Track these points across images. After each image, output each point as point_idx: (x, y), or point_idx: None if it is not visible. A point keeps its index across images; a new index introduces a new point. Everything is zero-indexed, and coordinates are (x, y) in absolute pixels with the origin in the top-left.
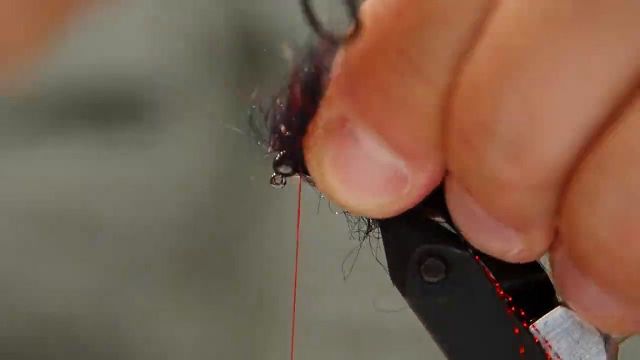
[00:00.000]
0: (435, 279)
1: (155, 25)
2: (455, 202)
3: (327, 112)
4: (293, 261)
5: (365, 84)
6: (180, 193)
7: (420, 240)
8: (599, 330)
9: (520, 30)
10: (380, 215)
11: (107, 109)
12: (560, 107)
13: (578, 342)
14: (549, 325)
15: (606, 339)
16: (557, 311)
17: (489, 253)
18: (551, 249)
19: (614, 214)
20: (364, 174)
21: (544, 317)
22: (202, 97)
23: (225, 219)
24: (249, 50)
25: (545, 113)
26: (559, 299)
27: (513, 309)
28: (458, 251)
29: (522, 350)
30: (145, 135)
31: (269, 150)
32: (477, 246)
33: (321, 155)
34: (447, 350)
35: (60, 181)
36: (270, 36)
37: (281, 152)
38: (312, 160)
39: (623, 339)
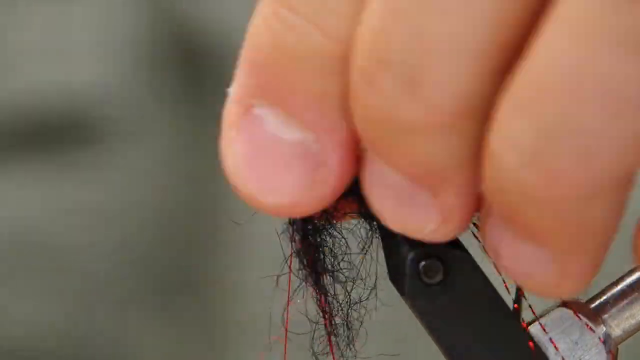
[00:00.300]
0: (433, 280)
1: (102, 46)
2: (368, 176)
3: (234, 106)
4: (257, 272)
5: (262, 58)
6: (137, 213)
7: (418, 241)
8: (599, 330)
9: None
10: (296, 211)
11: (56, 133)
12: (448, 30)
13: (577, 343)
14: (548, 326)
15: (606, 339)
16: (557, 312)
17: (410, 234)
18: (480, 223)
19: (537, 155)
20: (274, 157)
21: (543, 317)
22: (153, 116)
23: (185, 235)
24: (197, 67)
25: (434, 37)
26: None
27: (516, 306)
28: (457, 252)
29: (521, 351)
30: (97, 157)
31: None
32: (397, 228)
33: (234, 147)
34: (446, 351)
35: (13, 208)
36: (219, 52)
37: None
38: (226, 161)
39: (623, 340)
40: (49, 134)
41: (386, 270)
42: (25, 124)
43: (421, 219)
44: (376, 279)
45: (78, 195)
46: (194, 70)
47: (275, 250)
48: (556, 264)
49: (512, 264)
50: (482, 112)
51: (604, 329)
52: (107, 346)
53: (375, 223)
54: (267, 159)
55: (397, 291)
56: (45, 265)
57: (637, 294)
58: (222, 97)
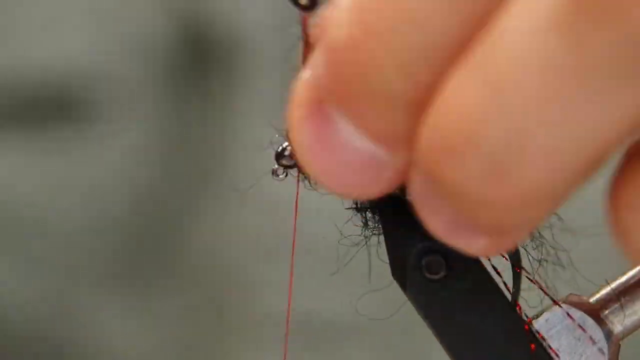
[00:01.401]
0: (436, 276)
1: (93, 22)
2: (420, 198)
3: (306, 92)
4: (237, 256)
5: (344, 68)
6: (120, 191)
7: (421, 237)
8: (600, 327)
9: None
10: (360, 195)
11: (48, 109)
12: (548, 141)
13: (579, 339)
14: (550, 322)
15: (608, 336)
16: (558, 308)
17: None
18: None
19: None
20: (344, 159)
21: (545, 314)
22: (140, 93)
23: (167, 216)
24: (190, 48)
25: (533, 143)
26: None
27: (518, 305)
28: None
29: (524, 347)
30: (83, 134)
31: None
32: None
33: (301, 136)
34: (449, 347)
35: (2, 183)
36: (213, 34)
37: (283, 145)
38: (293, 141)
39: (625, 336)
40: (40, 111)
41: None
42: (17, 100)
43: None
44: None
45: (63, 171)
46: (191, 51)
47: (267, 236)
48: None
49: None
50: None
51: (606, 325)
52: (82, 323)
53: (377, 217)
54: (334, 156)
55: (400, 286)
56: (25, 240)
57: (638, 290)
58: (217, 80)
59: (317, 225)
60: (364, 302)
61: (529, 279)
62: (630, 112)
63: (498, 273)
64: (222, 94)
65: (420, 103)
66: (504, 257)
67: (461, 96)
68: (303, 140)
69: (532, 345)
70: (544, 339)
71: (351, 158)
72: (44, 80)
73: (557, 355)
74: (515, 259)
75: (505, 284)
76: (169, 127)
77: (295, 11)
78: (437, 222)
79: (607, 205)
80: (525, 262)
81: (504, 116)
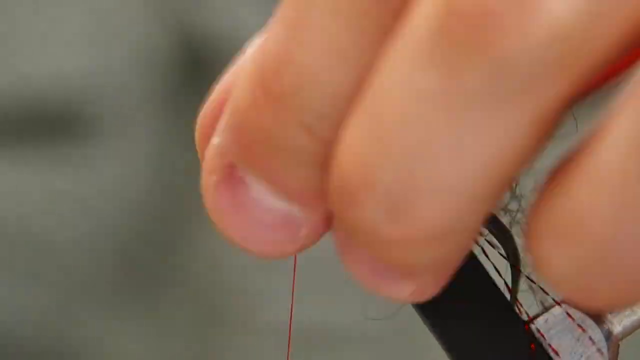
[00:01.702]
0: None
1: (91, 38)
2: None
3: (218, 159)
4: (238, 266)
5: (250, 132)
6: (121, 205)
7: None
8: (600, 327)
9: None
10: (280, 255)
11: (45, 124)
12: (437, 176)
13: (579, 340)
14: (550, 323)
15: (607, 336)
16: (558, 308)
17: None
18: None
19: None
20: (258, 218)
21: (544, 314)
22: (139, 108)
23: (168, 229)
24: (191, 63)
25: (421, 179)
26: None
27: (518, 305)
28: None
29: (523, 348)
30: (82, 150)
31: None
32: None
33: (214, 201)
34: (448, 347)
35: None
36: (214, 47)
37: None
38: (207, 207)
39: (624, 336)
40: (36, 126)
41: None
42: (14, 117)
43: (395, 289)
44: None
45: (63, 187)
46: (190, 66)
47: None
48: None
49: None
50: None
51: (605, 325)
52: (85, 339)
53: None
54: (250, 218)
55: None
56: (28, 255)
57: None
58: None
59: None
60: (367, 311)
61: (528, 278)
62: (515, 134)
63: (499, 273)
64: None
65: (326, 156)
66: (502, 256)
67: (352, 143)
68: (217, 205)
69: (532, 346)
70: (544, 338)
71: (266, 218)
72: (42, 96)
73: (557, 355)
74: (514, 259)
75: (506, 284)
76: (168, 141)
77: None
78: (360, 270)
79: (524, 239)
80: (525, 262)
81: (391, 158)
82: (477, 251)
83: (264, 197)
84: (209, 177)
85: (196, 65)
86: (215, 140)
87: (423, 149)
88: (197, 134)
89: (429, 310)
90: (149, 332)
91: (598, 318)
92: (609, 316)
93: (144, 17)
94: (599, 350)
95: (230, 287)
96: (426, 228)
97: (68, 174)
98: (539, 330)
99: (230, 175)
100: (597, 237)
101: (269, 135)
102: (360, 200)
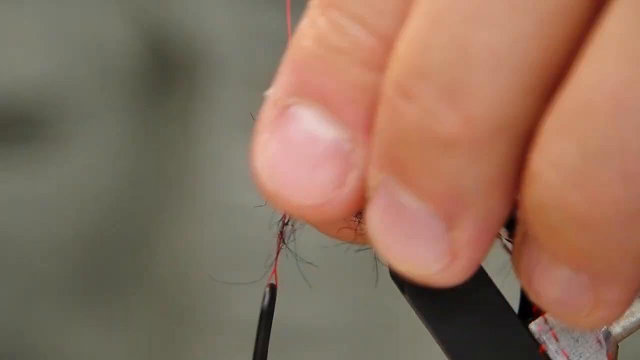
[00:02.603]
0: None
1: (51, 39)
2: (378, 201)
3: (271, 109)
4: (204, 265)
5: (309, 65)
6: (85, 205)
7: None
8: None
9: None
10: (318, 215)
11: (2, 127)
12: (491, 43)
13: (578, 340)
14: (550, 323)
15: (606, 337)
16: None
17: (414, 275)
18: (514, 248)
19: (580, 175)
20: (306, 156)
21: (544, 315)
22: (102, 108)
23: (133, 228)
24: (151, 61)
25: (476, 50)
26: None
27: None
28: None
29: (522, 349)
30: (43, 151)
31: None
32: (400, 265)
33: (264, 149)
34: (447, 350)
35: None
36: (176, 47)
37: None
38: (255, 158)
39: (623, 337)
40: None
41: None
42: None
43: (429, 257)
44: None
45: (24, 189)
46: (153, 65)
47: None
48: (591, 291)
49: (545, 289)
50: (521, 131)
51: (605, 326)
52: (47, 340)
53: None
54: (298, 156)
55: (398, 288)
56: None
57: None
58: (179, 96)
59: (297, 231)
60: (343, 309)
61: None
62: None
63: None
64: (186, 106)
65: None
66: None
67: (408, 35)
68: (267, 152)
69: (532, 346)
70: (543, 340)
71: (317, 150)
72: (1, 99)
73: (556, 356)
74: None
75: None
76: (132, 141)
77: (260, 23)
78: (392, 232)
79: (514, 270)
80: None
81: (445, 31)
82: None
83: (313, 125)
84: (260, 133)
85: (158, 63)
86: (267, 93)
87: (477, 15)
88: None
89: (428, 311)
90: (112, 332)
91: None
92: None
93: (104, 16)
94: (598, 350)
95: (196, 286)
96: (487, 114)
97: (28, 175)
98: (538, 331)
99: (283, 113)
100: (602, 117)
101: (326, 46)
102: (413, 90)
